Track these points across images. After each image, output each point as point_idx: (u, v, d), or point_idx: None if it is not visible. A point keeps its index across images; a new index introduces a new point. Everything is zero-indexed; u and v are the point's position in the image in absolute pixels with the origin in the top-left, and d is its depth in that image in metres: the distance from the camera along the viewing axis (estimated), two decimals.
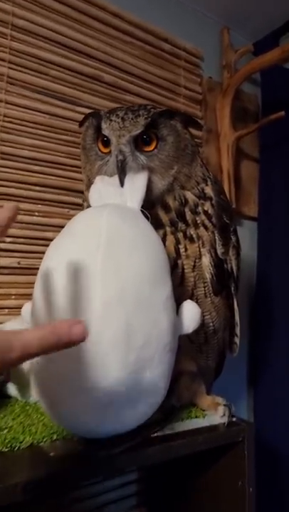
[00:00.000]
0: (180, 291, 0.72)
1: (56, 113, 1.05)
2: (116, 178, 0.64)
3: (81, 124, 0.73)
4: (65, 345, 0.36)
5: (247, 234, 1.47)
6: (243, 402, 1.43)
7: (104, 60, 1.13)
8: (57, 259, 0.56)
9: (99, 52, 1.12)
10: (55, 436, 0.60)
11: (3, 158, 0.97)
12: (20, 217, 0.98)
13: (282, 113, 1.15)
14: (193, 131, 0.75)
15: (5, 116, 0.97)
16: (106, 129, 0.64)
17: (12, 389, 0.79)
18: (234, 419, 0.73)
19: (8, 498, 0.46)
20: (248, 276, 1.46)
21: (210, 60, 1.34)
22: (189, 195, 0.72)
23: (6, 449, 0.56)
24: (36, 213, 1.00)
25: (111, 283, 0.52)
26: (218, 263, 0.74)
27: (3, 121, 0.97)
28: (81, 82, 1.10)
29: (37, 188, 1.01)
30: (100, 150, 0.69)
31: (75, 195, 1.06)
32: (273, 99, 1.38)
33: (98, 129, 0.67)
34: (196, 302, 0.70)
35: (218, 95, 1.32)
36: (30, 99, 1.01)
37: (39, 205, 1.01)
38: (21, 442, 0.58)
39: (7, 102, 0.98)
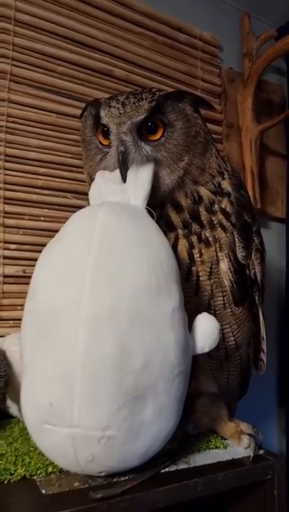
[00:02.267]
0: (195, 303, 0.63)
1: (64, 111, 0.99)
2: (117, 173, 0.57)
3: (81, 115, 0.66)
4: None
5: (274, 237, 1.35)
6: (272, 427, 1.29)
7: (114, 54, 1.07)
8: (44, 266, 0.49)
9: (108, 46, 1.06)
10: (50, 469, 0.53)
11: (7, 161, 0.92)
12: (25, 223, 0.92)
13: None
14: (213, 127, 0.67)
15: (8, 115, 0.92)
16: (105, 117, 0.57)
17: (14, 408, 0.72)
18: (261, 451, 0.62)
19: None
20: (276, 284, 1.34)
21: (229, 49, 1.25)
22: (204, 191, 0.63)
23: None
24: (42, 218, 0.94)
25: (102, 295, 0.44)
26: (239, 269, 0.65)
27: (7, 121, 0.92)
28: (90, 77, 1.04)
29: (43, 191, 0.95)
30: (99, 142, 0.61)
31: (84, 198, 0.99)
32: None
33: (97, 119, 0.60)
34: (214, 314, 0.62)
35: (239, 86, 1.22)
36: (35, 97, 0.96)
37: (45, 210, 0.94)
38: (12, 474, 0.51)
39: (11, 101, 0.93)
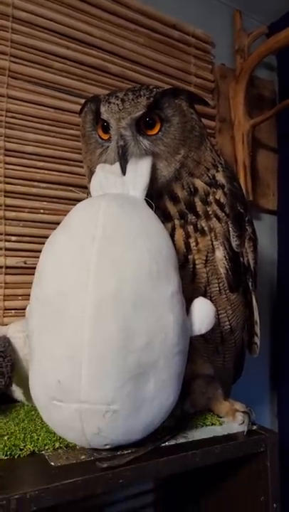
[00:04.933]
0: (191, 289, 0.66)
1: (61, 106, 1.01)
2: (117, 166, 0.59)
3: (81, 111, 0.69)
4: None
5: (266, 228, 1.39)
6: (265, 407, 1.34)
7: (109, 50, 1.09)
8: (50, 254, 0.52)
9: (104, 42, 1.08)
10: (57, 444, 0.56)
11: (7, 155, 0.94)
12: (25, 216, 0.94)
13: None
14: (206, 121, 0.70)
15: (7, 111, 0.94)
16: (105, 113, 0.60)
17: (19, 393, 0.75)
18: (255, 427, 0.66)
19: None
20: (268, 274, 1.38)
21: (222, 45, 1.28)
22: (199, 183, 0.66)
23: (6, 457, 0.53)
24: (42, 211, 0.96)
25: (106, 279, 0.47)
26: (234, 256, 0.69)
27: (6, 116, 0.94)
28: (86, 73, 1.05)
29: (42, 184, 0.97)
30: (99, 137, 0.64)
31: (82, 190, 1.01)
32: None
33: (97, 115, 0.63)
34: (210, 300, 0.65)
35: (231, 82, 1.25)
36: (33, 92, 0.98)
37: (44, 203, 0.97)
38: (22, 450, 0.54)
39: (9, 97, 0.94)
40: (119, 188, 0.59)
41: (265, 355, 1.35)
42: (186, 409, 0.69)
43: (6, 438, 0.57)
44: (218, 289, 0.69)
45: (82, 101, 1.01)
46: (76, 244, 0.50)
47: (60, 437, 0.57)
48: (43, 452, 0.55)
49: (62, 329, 0.48)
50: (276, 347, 1.35)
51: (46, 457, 0.53)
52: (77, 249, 0.50)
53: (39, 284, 0.53)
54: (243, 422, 0.65)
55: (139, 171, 0.59)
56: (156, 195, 0.64)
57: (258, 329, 0.79)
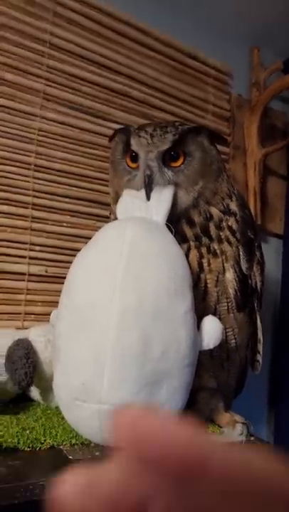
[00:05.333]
0: (202, 307, 0.72)
1: (87, 128, 1.09)
2: (143, 192, 0.66)
3: (111, 138, 0.76)
4: None
5: (272, 251, 1.45)
6: (262, 424, 1.39)
7: (133, 77, 1.16)
8: (81, 268, 0.58)
9: (127, 69, 1.15)
10: (74, 441, 0.61)
11: (37, 171, 1.01)
12: (49, 228, 1.01)
13: None
14: (221, 148, 0.76)
15: (40, 130, 1.02)
16: (135, 145, 0.67)
17: (35, 392, 0.81)
18: (252, 438, 0.71)
19: (28, 496, 0.47)
20: (272, 294, 1.44)
21: (239, 77, 1.36)
22: (214, 211, 0.72)
23: (28, 449, 0.58)
24: (65, 224, 1.03)
25: (130, 293, 0.53)
26: (242, 279, 0.74)
27: (38, 135, 1.01)
28: (111, 98, 1.13)
29: (66, 199, 1.04)
30: (128, 165, 0.71)
31: (101, 207, 1.08)
32: None
33: (127, 144, 0.70)
34: (219, 318, 0.70)
35: (246, 112, 1.33)
36: (63, 114, 1.06)
37: (68, 216, 1.04)
38: (42, 443, 0.60)
39: (42, 117, 1.02)
40: (143, 212, 0.66)
41: (265, 373, 1.40)
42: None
43: (27, 432, 0.62)
44: (226, 308, 0.75)
45: (107, 123, 1.11)
46: (105, 260, 0.56)
47: (76, 434, 0.62)
48: (61, 447, 0.60)
49: (89, 335, 0.54)
50: (276, 365, 1.40)
51: (64, 451, 0.59)
52: (106, 265, 0.56)
53: (69, 294, 0.59)
54: (242, 433, 0.71)
55: (162, 198, 0.66)
56: (176, 220, 0.70)
57: (260, 347, 0.84)
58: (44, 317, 0.95)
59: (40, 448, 0.59)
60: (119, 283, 0.55)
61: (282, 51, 1.41)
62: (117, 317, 0.53)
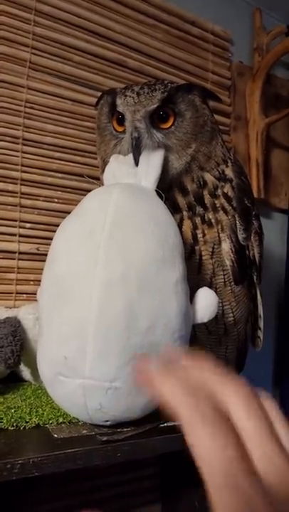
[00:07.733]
0: (198, 280, 0.69)
1: (79, 99, 1.04)
2: (130, 157, 0.62)
3: (97, 103, 0.71)
4: None
5: (276, 227, 1.40)
6: None
7: (128, 45, 1.11)
8: (63, 237, 0.54)
9: (123, 37, 1.10)
10: (61, 419, 0.59)
11: (25, 145, 0.97)
12: (40, 204, 0.97)
13: None
14: (221, 118, 0.72)
15: (27, 101, 0.97)
16: (120, 105, 0.62)
17: (26, 372, 0.79)
18: None
19: (8, 475, 0.45)
20: (277, 271, 1.39)
21: (240, 43, 1.28)
22: (208, 177, 0.68)
23: (12, 428, 0.56)
24: (56, 200, 0.99)
25: (114, 263, 0.50)
26: (240, 249, 0.70)
27: (25, 106, 0.97)
28: (105, 67, 1.08)
29: (58, 174, 1.00)
30: (114, 129, 0.67)
31: (94, 181, 1.04)
32: None
33: (113, 107, 0.65)
34: (215, 291, 0.67)
35: (248, 80, 1.26)
36: (52, 84, 1.01)
37: (59, 192, 1.00)
38: (27, 422, 0.57)
39: (29, 88, 0.97)
40: (131, 178, 0.61)
41: (269, 351, 1.36)
42: None
43: (13, 411, 0.60)
44: (223, 280, 0.71)
45: (100, 94, 1.05)
46: (87, 229, 0.53)
47: (64, 413, 0.60)
48: (47, 426, 0.57)
49: (70, 308, 0.51)
50: (280, 343, 1.36)
51: (50, 430, 0.56)
52: (88, 233, 0.52)
53: (51, 266, 0.55)
54: None
55: (152, 162, 0.61)
56: (167, 187, 0.66)
57: (261, 323, 0.80)
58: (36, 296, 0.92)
59: (24, 427, 0.57)
60: (103, 251, 0.51)
61: (285, 15, 1.33)
62: (100, 288, 0.49)
